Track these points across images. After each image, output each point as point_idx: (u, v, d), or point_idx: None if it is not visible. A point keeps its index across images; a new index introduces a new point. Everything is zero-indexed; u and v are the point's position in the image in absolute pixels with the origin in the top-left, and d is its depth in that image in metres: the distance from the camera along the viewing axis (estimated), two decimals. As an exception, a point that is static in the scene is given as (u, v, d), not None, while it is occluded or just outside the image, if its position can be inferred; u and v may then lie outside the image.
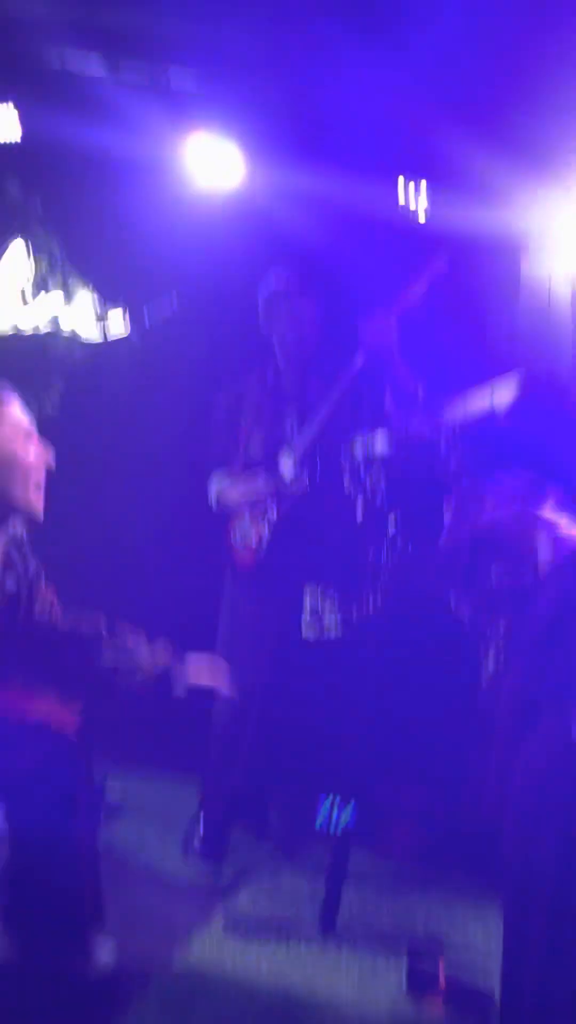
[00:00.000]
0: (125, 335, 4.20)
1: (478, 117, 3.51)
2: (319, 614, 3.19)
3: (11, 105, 4.05)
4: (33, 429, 2.34)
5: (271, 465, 3.30)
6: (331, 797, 3.12)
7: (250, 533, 3.30)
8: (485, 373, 2.88)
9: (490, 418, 2.77)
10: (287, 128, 3.94)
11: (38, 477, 2.30)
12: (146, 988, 2.41)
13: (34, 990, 2.24)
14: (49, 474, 2.34)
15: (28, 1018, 2.18)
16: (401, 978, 2.58)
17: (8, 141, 4.12)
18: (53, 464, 2.33)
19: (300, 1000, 2.47)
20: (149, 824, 3.50)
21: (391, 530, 2.94)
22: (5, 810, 2.17)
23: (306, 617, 3.19)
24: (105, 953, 2.33)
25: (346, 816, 3.09)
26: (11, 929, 2.29)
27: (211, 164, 3.93)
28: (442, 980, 2.54)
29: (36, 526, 2.37)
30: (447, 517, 2.53)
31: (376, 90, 3.59)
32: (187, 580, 4.04)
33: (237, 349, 3.88)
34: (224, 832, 3.27)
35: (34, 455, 2.29)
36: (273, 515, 3.27)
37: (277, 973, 2.58)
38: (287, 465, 3.27)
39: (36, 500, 2.30)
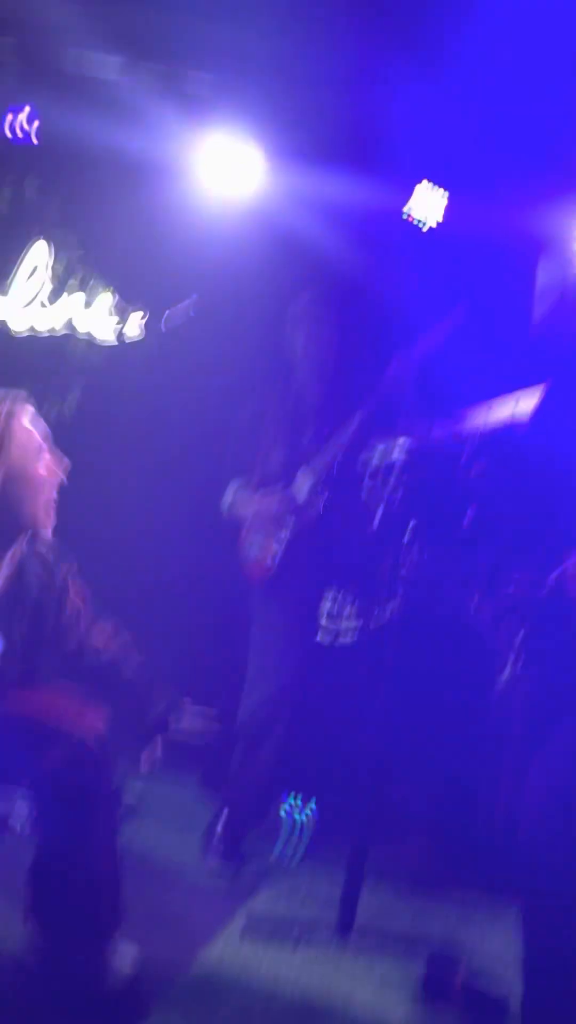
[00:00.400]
0: (142, 338, 4.21)
1: (497, 119, 3.50)
2: (337, 621, 3.21)
3: (28, 109, 4.07)
4: (46, 442, 2.31)
5: (288, 480, 3.30)
6: (293, 797, 3.15)
7: (265, 546, 3.30)
8: (509, 380, 2.88)
9: (514, 426, 2.76)
10: (304, 130, 3.95)
11: (49, 494, 2.27)
12: (164, 989, 2.42)
13: (56, 990, 2.26)
14: (62, 487, 2.31)
15: (49, 1018, 2.19)
16: (417, 982, 2.58)
17: (26, 143, 4.15)
18: (66, 478, 2.30)
19: (317, 1002, 2.48)
20: (168, 826, 3.52)
21: (409, 538, 2.94)
22: (29, 811, 2.19)
23: (324, 624, 3.21)
24: (125, 954, 2.34)
25: (307, 816, 3.11)
26: (35, 928, 2.31)
27: (228, 166, 3.94)
28: (458, 985, 2.55)
29: (58, 533, 2.38)
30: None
31: (396, 93, 3.59)
32: (200, 584, 4.05)
33: (253, 354, 3.89)
34: (243, 834, 3.29)
35: (46, 470, 2.27)
36: (288, 532, 3.28)
37: (294, 975, 2.59)
38: (304, 484, 3.28)
39: (45, 518, 2.28)
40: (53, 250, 4.38)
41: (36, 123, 4.13)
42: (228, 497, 3.42)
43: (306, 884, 3.19)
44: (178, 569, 4.10)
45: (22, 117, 4.12)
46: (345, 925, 2.86)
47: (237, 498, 3.40)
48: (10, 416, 2.23)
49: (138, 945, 2.39)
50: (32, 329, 4.34)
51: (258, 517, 3.32)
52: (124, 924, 2.35)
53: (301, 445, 3.34)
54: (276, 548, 3.29)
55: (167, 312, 4.02)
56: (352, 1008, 2.47)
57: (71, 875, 2.25)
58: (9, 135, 3.96)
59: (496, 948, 2.84)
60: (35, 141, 3.92)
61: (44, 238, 4.36)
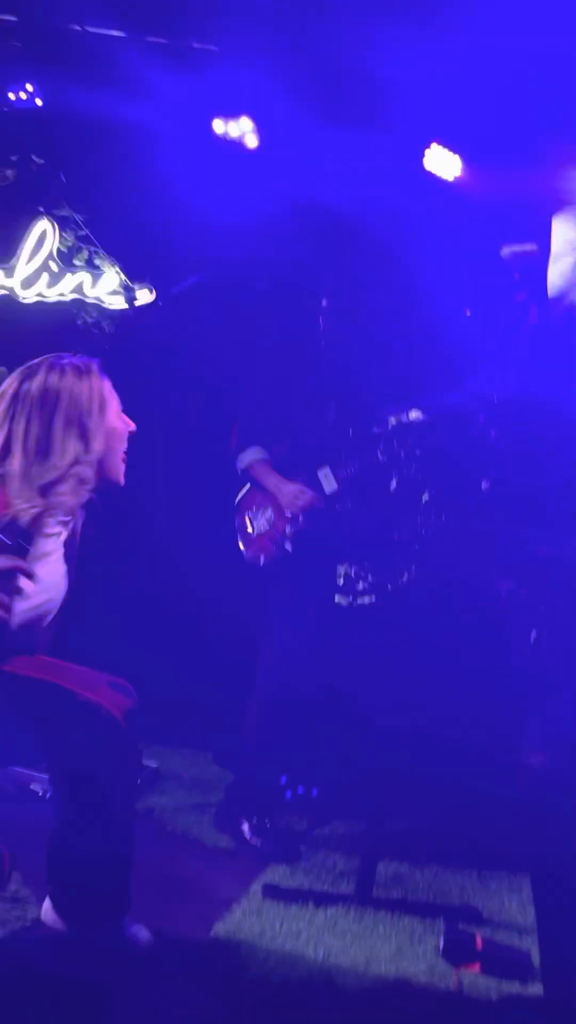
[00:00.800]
0: (150, 303, 4.18)
1: (508, 81, 3.46)
2: (355, 584, 3.19)
3: (30, 87, 4.04)
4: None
5: (307, 450, 3.27)
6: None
7: (277, 521, 3.27)
8: (524, 344, 2.86)
9: (530, 390, 2.75)
10: (308, 95, 3.91)
11: (125, 445, 2.48)
12: (187, 952, 2.43)
13: (77, 958, 2.27)
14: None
15: (70, 984, 2.21)
16: (438, 942, 2.59)
17: (31, 115, 4.12)
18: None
19: (339, 965, 2.49)
20: (187, 792, 3.54)
21: (426, 501, 2.93)
22: (51, 780, 2.19)
23: (341, 586, 3.19)
24: (140, 926, 2.35)
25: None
26: (57, 896, 2.32)
27: (233, 132, 3.91)
28: (479, 944, 2.55)
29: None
30: None
31: (404, 55, 3.54)
32: (213, 549, 4.04)
33: (262, 317, 3.87)
34: (259, 802, 3.29)
35: (124, 424, 2.47)
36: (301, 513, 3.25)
37: (315, 939, 2.60)
38: (328, 480, 3.25)
39: (122, 469, 2.48)
40: (60, 222, 4.36)
41: (38, 98, 4.11)
42: (248, 458, 3.37)
43: (325, 850, 3.20)
44: (190, 532, 4.10)
45: (24, 93, 4.11)
46: (364, 890, 2.87)
47: (258, 464, 3.34)
48: (101, 381, 2.41)
49: (157, 909, 2.40)
50: (40, 297, 4.33)
51: (277, 492, 3.28)
52: (134, 894, 2.37)
53: (320, 413, 3.31)
54: (289, 527, 3.26)
55: (171, 277, 3.99)
56: (373, 969, 2.48)
57: (89, 842, 2.26)
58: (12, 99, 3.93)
59: (513, 915, 2.85)
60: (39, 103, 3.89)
61: (50, 210, 4.34)
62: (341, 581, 3.21)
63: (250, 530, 3.30)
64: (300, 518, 3.20)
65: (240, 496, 3.36)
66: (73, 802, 2.24)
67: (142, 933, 2.34)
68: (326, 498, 3.24)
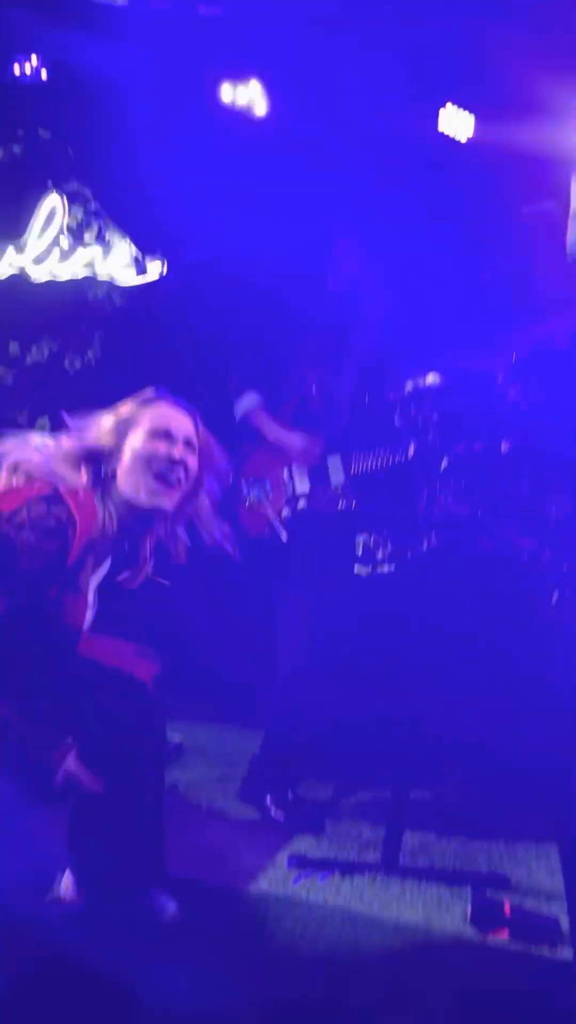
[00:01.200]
0: (162, 277, 4.14)
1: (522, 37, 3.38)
2: (375, 553, 3.14)
3: (35, 58, 3.99)
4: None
5: (316, 410, 3.20)
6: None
7: (273, 497, 3.18)
8: (543, 306, 2.80)
9: (550, 351, 2.69)
10: (317, 58, 3.84)
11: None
12: (211, 924, 2.43)
13: (104, 931, 2.27)
14: None
15: (98, 957, 2.20)
16: (466, 909, 2.58)
17: (36, 88, 4.07)
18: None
19: (367, 927, 2.48)
20: (211, 765, 3.53)
21: (445, 467, 2.88)
22: (78, 750, 2.17)
23: (359, 557, 3.15)
24: (165, 897, 2.35)
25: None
26: (82, 867, 2.32)
27: (240, 95, 3.84)
28: (507, 910, 2.54)
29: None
30: None
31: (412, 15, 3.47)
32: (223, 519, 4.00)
33: (276, 287, 3.81)
34: (285, 773, 3.28)
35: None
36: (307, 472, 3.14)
37: (342, 908, 2.59)
38: (336, 470, 3.17)
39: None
40: (69, 197, 4.32)
41: (43, 69, 4.06)
42: (245, 404, 3.25)
43: (350, 820, 3.19)
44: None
45: (29, 65, 4.05)
46: (391, 858, 2.86)
47: (256, 414, 3.23)
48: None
49: (184, 882, 2.40)
50: (53, 276, 4.29)
51: (280, 443, 3.19)
52: (165, 863, 2.36)
53: (332, 375, 3.25)
54: (287, 508, 3.18)
55: (181, 248, 3.94)
56: (401, 934, 2.47)
57: (119, 812, 2.25)
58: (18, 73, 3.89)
59: (541, 881, 2.83)
60: (44, 78, 3.84)
61: (59, 185, 4.29)
62: (360, 551, 3.16)
63: (247, 502, 3.20)
64: (300, 503, 3.11)
65: (240, 460, 3.26)
66: (102, 770, 2.22)
67: (169, 905, 2.33)
68: (329, 491, 3.14)
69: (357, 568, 3.19)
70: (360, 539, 3.18)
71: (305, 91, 3.85)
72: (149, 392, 2.33)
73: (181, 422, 2.29)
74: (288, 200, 3.79)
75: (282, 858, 2.85)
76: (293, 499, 3.14)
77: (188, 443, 2.29)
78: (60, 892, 2.35)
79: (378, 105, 3.71)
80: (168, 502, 2.25)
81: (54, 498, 2.11)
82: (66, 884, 2.35)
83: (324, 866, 2.78)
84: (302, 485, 3.15)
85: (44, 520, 2.07)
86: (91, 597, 2.25)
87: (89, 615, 2.25)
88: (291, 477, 3.19)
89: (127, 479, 2.21)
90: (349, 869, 2.80)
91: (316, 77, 3.87)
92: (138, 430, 2.24)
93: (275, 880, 2.72)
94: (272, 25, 3.74)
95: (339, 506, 3.11)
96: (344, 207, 3.45)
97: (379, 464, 3.04)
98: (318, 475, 3.17)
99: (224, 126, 4.00)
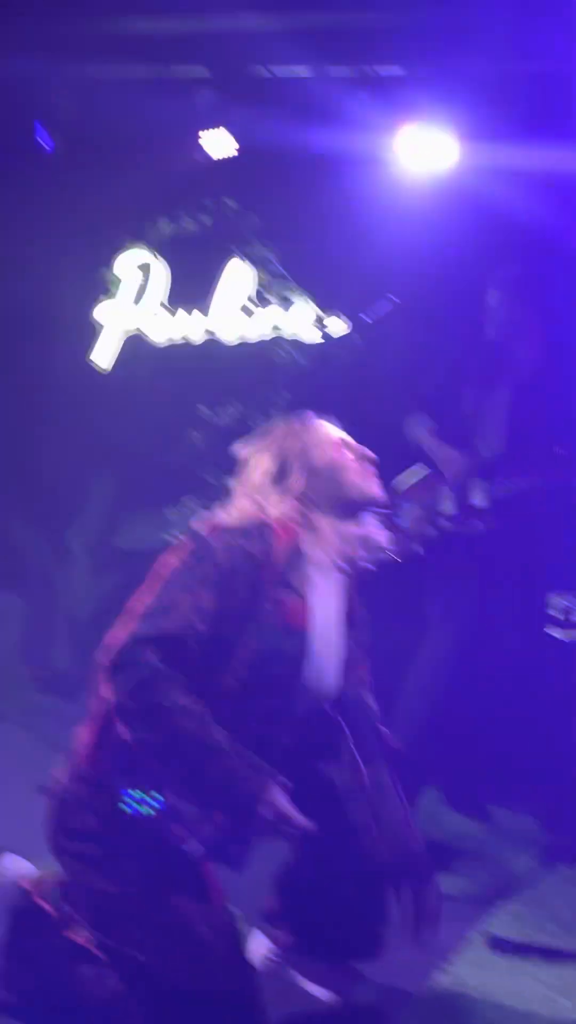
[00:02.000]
0: (347, 335, 4.16)
1: None
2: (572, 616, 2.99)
3: (223, 130, 4.17)
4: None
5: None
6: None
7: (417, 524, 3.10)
8: None
9: None
10: (500, 109, 3.80)
11: None
12: (409, 1003, 2.32)
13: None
14: None
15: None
16: None
17: (224, 160, 4.24)
18: None
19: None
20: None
21: None
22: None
23: (556, 620, 3.00)
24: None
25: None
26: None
27: (424, 154, 3.84)
28: None
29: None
30: None
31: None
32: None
33: (460, 342, 3.76)
34: None
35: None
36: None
37: (543, 992, 2.41)
38: (480, 492, 3.09)
39: None
40: (254, 261, 4.45)
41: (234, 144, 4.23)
42: (420, 424, 3.29)
43: (549, 898, 2.99)
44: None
45: (218, 137, 4.24)
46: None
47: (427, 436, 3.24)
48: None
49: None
50: (242, 339, 4.42)
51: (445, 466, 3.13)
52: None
53: (508, 428, 3.17)
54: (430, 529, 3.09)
55: (367, 308, 3.96)
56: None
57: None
58: (208, 152, 4.07)
59: None
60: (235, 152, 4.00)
61: (245, 250, 4.43)
62: (560, 615, 2.99)
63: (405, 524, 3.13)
64: (446, 524, 3.01)
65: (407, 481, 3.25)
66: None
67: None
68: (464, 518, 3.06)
69: (555, 632, 3.03)
70: (555, 601, 3.03)
71: (490, 144, 3.80)
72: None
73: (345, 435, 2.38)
74: (473, 255, 3.75)
75: (477, 936, 2.71)
76: (439, 521, 3.07)
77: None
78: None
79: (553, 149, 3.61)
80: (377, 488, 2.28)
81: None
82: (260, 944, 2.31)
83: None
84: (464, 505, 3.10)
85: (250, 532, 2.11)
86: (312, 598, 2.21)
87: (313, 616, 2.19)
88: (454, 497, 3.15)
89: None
90: (552, 955, 2.61)
91: (498, 128, 3.82)
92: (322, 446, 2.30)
93: (472, 961, 2.57)
94: (452, 81, 3.74)
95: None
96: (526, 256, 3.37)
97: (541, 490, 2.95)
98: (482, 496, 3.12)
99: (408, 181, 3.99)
